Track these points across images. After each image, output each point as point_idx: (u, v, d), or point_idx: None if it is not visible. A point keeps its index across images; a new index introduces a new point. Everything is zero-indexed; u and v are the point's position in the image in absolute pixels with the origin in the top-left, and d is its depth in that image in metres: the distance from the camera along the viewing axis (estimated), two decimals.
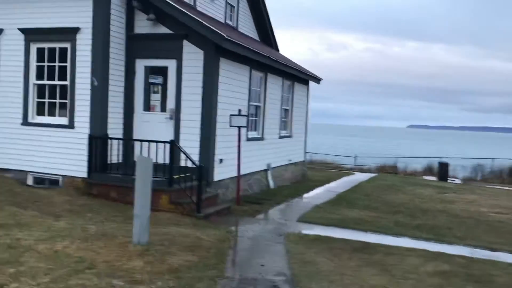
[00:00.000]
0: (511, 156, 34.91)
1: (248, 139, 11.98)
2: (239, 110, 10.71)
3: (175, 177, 8.93)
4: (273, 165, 13.91)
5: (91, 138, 9.54)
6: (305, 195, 13.20)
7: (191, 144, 9.99)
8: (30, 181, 10.42)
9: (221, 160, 10.45)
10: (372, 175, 21.04)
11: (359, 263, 6.73)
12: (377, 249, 7.58)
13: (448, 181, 21.35)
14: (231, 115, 10.46)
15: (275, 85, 13.79)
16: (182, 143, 10.03)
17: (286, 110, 15.24)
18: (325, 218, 9.87)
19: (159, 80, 10.40)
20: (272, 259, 6.70)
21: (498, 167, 28.86)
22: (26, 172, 10.40)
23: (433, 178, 22.27)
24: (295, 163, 16.36)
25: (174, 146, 8.90)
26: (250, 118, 12.30)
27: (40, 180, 10.42)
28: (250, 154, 12.09)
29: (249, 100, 11.94)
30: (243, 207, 10.39)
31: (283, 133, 15.07)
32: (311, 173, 19.29)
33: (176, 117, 10.16)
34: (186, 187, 8.90)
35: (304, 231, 8.62)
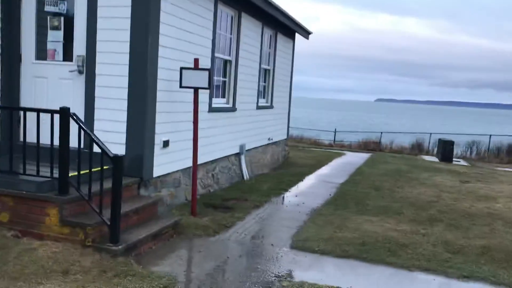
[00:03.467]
0: (494, 132, 32.24)
1: (212, 110, 7.92)
2: (196, 61, 6.56)
3: (72, 174, 4.87)
4: (248, 147, 9.95)
5: None
6: (294, 190, 9.32)
7: (113, 117, 5.94)
8: None
9: (165, 143, 6.41)
10: (366, 155, 17.34)
11: None
12: None
13: (454, 162, 18.00)
14: (183, 68, 6.38)
15: (252, 32, 9.66)
16: (98, 115, 5.98)
17: (266, 70, 11.20)
18: (335, 240, 6.03)
19: (62, 8, 6.18)
20: None
21: (494, 145, 26.03)
22: None
23: (434, 158, 18.90)
24: (276, 143, 12.44)
25: (68, 118, 4.78)
26: (215, 78, 8.24)
27: None
28: (215, 132, 8.09)
29: (213, 50, 7.84)
30: (202, 220, 6.42)
31: (262, 102, 11.06)
32: (294, 153, 15.44)
33: (88, 70, 6.02)
34: (92, 194, 4.86)
35: (308, 276, 4.76)
